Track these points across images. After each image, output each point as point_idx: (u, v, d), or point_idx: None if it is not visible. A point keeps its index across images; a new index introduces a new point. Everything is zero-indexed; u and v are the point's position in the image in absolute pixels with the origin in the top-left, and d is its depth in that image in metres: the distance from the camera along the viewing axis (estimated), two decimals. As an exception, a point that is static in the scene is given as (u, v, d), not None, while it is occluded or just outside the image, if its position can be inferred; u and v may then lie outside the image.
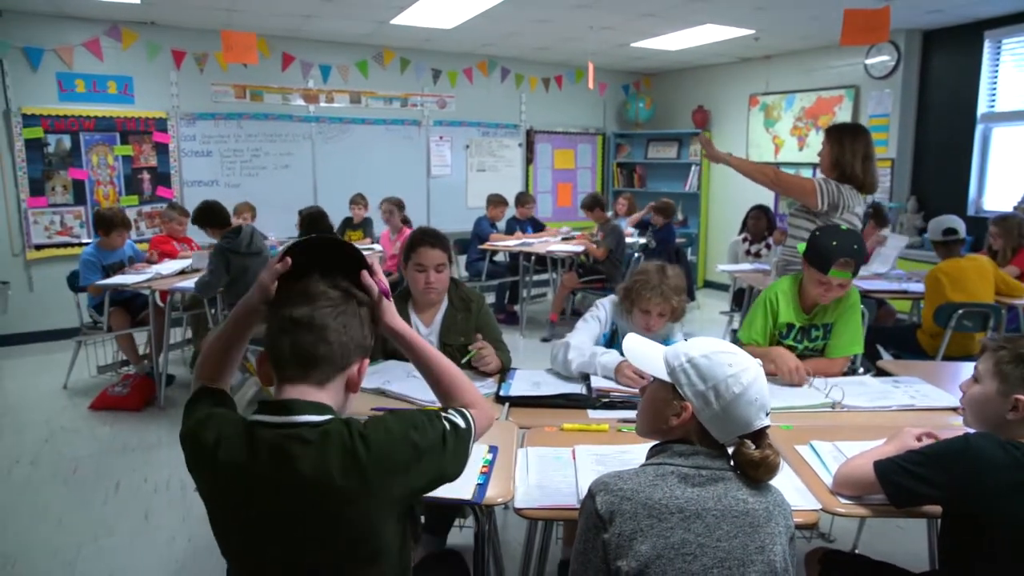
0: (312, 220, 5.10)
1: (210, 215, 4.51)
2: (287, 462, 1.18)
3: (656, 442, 1.40)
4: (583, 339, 2.51)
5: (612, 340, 2.62)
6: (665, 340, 2.66)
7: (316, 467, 1.18)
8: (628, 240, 6.91)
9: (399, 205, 6.16)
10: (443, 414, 1.37)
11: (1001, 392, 1.54)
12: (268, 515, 1.22)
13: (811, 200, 3.08)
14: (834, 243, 2.43)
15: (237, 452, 1.21)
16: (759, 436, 1.31)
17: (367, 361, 1.36)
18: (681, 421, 1.35)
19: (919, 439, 1.66)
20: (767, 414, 1.32)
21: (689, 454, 1.31)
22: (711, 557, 1.22)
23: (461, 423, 1.37)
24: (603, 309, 2.64)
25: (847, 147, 3.11)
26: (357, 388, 1.35)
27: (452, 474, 1.34)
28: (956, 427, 1.77)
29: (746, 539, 1.24)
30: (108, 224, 4.70)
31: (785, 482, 1.66)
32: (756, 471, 1.29)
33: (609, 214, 7.32)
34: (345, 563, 1.25)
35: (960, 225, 4.02)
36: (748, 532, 1.24)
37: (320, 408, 1.24)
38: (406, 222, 6.16)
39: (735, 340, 2.82)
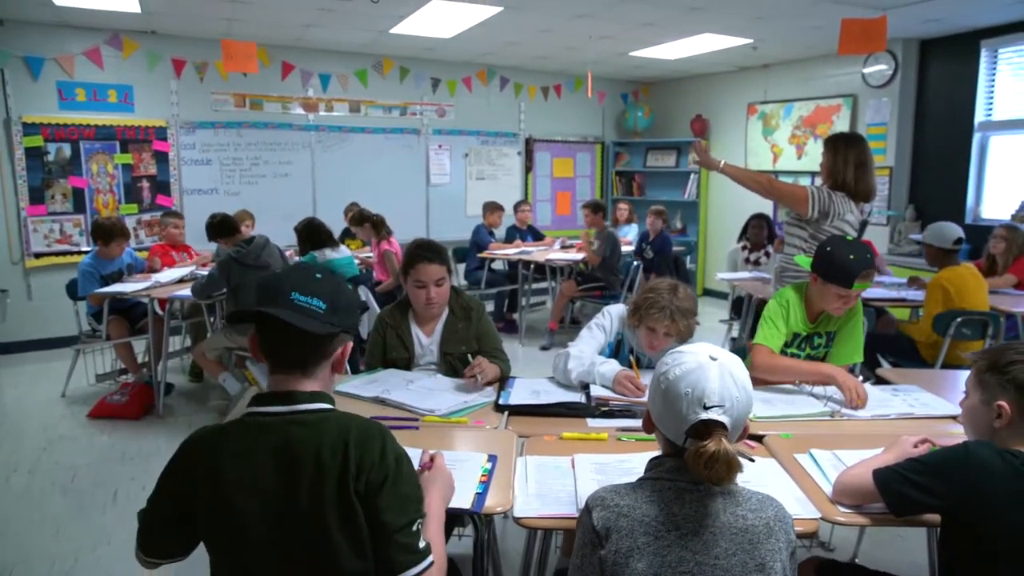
0: (311, 232, 5.09)
1: (221, 228, 4.53)
2: (287, 442, 1.27)
3: (656, 454, 1.38)
4: (585, 348, 2.50)
5: (617, 350, 2.59)
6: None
7: (311, 444, 1.26)
8: (628, 248, 6.92)
9: (359, 220, 5.93)
10: (419, 525, 1.31)
11: (984, 401, 1.55)
12: (264, 516, 1.25)
13: (802, 208, 3.10)
14: (851, 256, 2.39)
15: (242, 441, 1.29)
16: (706, 433, 1.23)
17: (350, 344, 1.46)
18: (654, 432, 1.37)
19: (916, 446, 1.67)
20: (709, 408, 1.23)
21: (683, 469, 1.26)
22: (709, 575, 1.20)
23: (420, 544, 1.29)
24: (609, 318, 2.60)
25: (840, 155, 3.15)
26: (342, 367, 1.46)
27: (385, 516, 1.27)
28: (955, 435, 1.77)
29: (745, 556, 1.21)
30: (107, 234, 4.70)
31: (785, 491, 1.66)
32: (700, 468, 1.20)
33: (608, 223, 7.33)
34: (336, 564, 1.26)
35: (962, 232, 4.04)
36: (747, 549, 1.22)
37: (318, 396, 1.34)
38: (378, 227, 5.85)
39: (735, 349, 2.80)
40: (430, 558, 1.29)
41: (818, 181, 3.34)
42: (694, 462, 1.21)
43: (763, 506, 1.27)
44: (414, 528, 1.29)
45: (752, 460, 1.27)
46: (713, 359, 1.28)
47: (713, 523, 1.22)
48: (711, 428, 1.23)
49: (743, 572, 1.21)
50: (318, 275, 1.38)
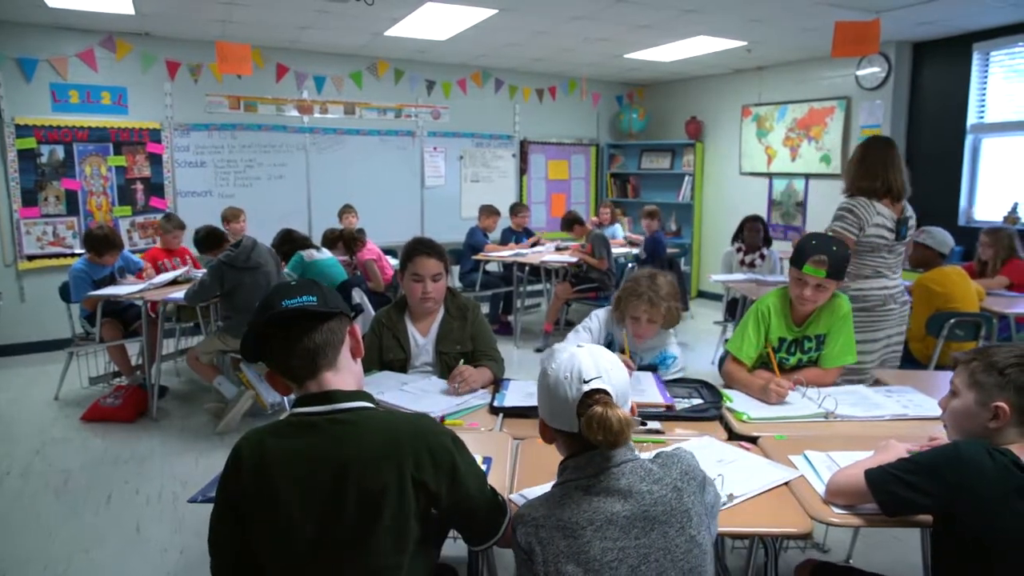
0: (288, 242, 5.09)
1: (209, 241, 4.58)
2: (331, 440, 1.30)
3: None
4: None
5: None
6: (660, 350, 2.67)
7: (355, 442, 1.30)
8: (622, 250, 6.94)
9: (331, 242, 5.75)
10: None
11: (979, 402, 1.55)
12: (310, 512, 1.27)
13: (849, 241, 3.08)
14: (813, 242, 2.49)
15: (286, 438, 1.32)
16: (591, 403, 1.29)
17: (356, 325, 1.48)
18: (553, 441, 1.42)
19: (909, 451, 1.67)
20: (589, 381, 1.31)
21: (583, 465, 1.32)
22: (635, 557, 1.24)
23: (499, 498, 1.46)
24: (597, 320, 2.67)
25: (851, 157, 3.27)
26: (360, 350, 1.49)
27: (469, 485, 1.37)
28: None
29: (664, 527, 1.26)
30: (99, 245, 4.68)
31: (780, 491, 1.66)
32: (596, 433, 1.26)
33: (594, 219, 7.38)
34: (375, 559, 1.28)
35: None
36: (662, 520, 1.26)
37: (357, 396, 1.38)
38: (350, 242, 5.76)
39: (725, 352, 2.81)
40: (507, 505, 1.46)
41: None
42: (589, 430, 1.27)
43: (666, 471, 1.32)
44: (489, 487, 1.42)
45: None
46: (580, 347, 1.40)
47: (622, 508, 1.26)
48: (595, 398, 1.30)
49: (665, 543, 1.25)
50: (293, 282, 1.43)
